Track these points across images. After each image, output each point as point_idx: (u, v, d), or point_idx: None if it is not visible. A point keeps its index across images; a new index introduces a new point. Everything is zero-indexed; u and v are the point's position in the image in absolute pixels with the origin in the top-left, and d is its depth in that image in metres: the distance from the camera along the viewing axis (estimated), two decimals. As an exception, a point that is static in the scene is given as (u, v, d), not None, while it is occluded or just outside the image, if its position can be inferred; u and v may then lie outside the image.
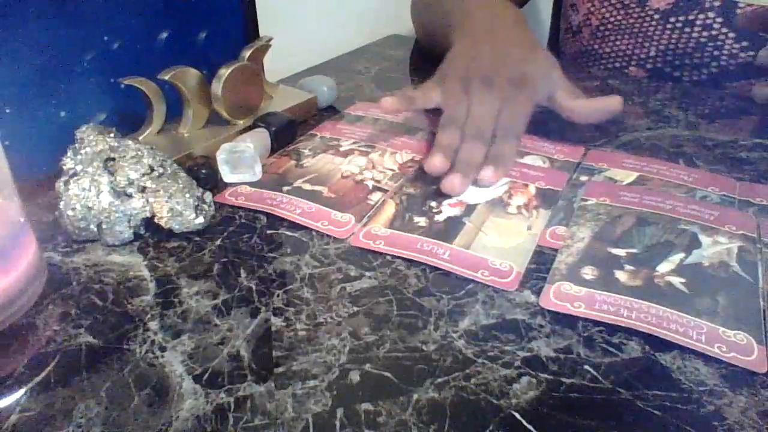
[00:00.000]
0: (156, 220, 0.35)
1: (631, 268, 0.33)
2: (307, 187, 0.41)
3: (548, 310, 0.30)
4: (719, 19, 0.58)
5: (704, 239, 0.35)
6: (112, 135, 0.37)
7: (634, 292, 0.31)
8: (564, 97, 0.46)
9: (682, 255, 0.34)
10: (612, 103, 0.46)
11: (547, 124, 0.51)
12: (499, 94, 0.44)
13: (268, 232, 0.37)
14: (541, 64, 0.47)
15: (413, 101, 0.46)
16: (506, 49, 0.48)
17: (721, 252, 0.34)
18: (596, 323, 0.30)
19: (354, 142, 0.47)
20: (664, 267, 0.33)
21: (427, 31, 0.67)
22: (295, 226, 0.37)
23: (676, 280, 0.32)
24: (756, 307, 0.30)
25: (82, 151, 0.36)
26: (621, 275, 0.33)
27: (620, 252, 0.34)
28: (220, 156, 0.41)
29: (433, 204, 0.39)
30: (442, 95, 0.46)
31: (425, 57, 0.68)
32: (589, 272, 0.33)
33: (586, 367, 0.27)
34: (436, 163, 0.40)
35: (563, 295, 0.31)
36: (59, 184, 0.35)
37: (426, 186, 0.41)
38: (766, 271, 0.33)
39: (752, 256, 0.34)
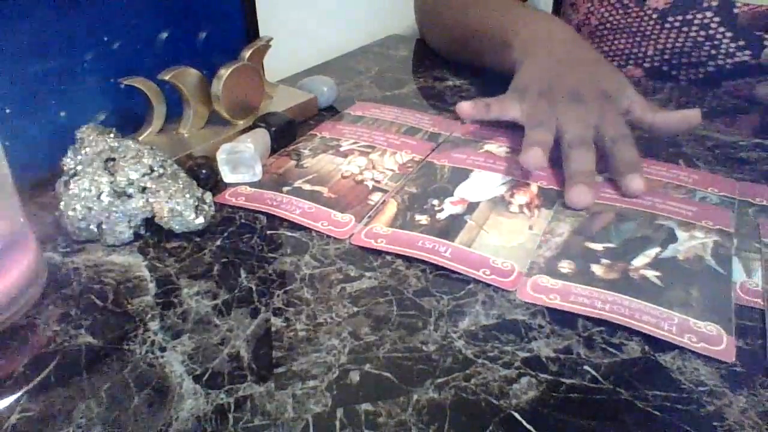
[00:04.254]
0: (156, 221, 0.35)
1: (607, 261, 0.34)
2: (307, 187, 0.41)
3: (548, 311, 0.31)
4: (717, 19, 0.58)
5: (681, 234, 0.36)
6: (112, 135, 0.37)
7: (609, 284, 0.32)
8: (643, 112, 0.44)
9: (657, 249, 0.35)
10: (692, 116, 0.44)
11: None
12: (591, 109, 0.43)
13: (268, 232, 0.37)
14: (620, 79, 0.46)
15: (490, 109, 0.45)
16: (587, 65, 0.47)
17: (696, 246, 0.35)
18: (597, 323, 0.30)
19: (354, 143, 0.47)
20: (639, 261, 0.34)
21: (455, 38, 0.64)
22: (295, 226, 0.37)
23: (651, 274, 0.33)
24: (727, 300, 0.31)
25: (82, 151, 0.36)
26: (597, 269, 0.33)
27: (597, 246, 0.35)
28: (220, 156, 0.41)
29: (435, 202, 0.39)
30: (527, 109, 0.44)
31: (425, 57, 0.68)
32: (566, 266, 0.33)
33: (586, 367, 0.27)
34: (535, 156, 0.39)
35: (540, 288, 0.32)
36: (59, 184, 0.35)
37: (427, 184, 0.41)
38: (766, 271, 0.33)
39: (727, 251, 0.35)
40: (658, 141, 0.48)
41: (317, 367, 0.27)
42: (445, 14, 0.65)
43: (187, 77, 0.43)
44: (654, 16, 0.61)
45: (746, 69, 0.58)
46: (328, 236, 0.36)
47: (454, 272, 0.33)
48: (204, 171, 0.40)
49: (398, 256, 0.34)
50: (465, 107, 0.44)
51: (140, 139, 0.43)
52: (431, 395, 0.26)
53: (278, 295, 0.32)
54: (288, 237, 0.36)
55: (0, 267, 0.29)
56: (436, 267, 0.34)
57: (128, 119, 0.44)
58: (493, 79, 0.61)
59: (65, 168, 0.35)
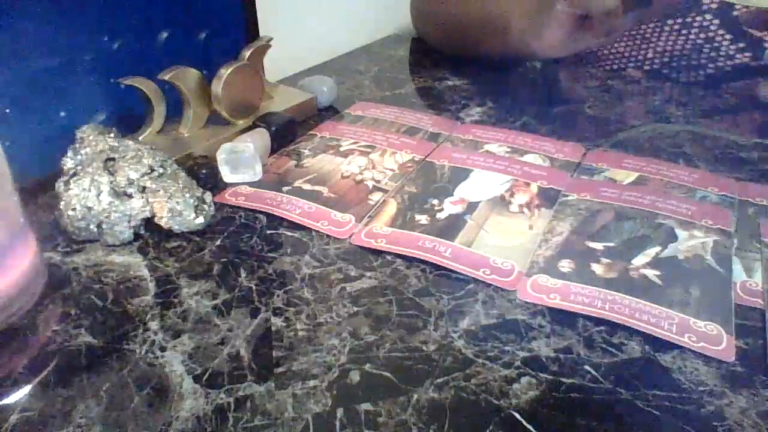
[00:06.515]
0: (156, 220, 0.35)
1: (607, 261, 0.34)
2: (307, 187, 0.41)
3: (549, 310, 0.31)
4: (716, 21, 0.58)
5: (681, 233, 0.36)
6: (112, 135, 0.37)
7: (608, 283, 0.32)
8: None
9: (658, 248, 0.35)
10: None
11: (547, 123, 0.51)
12: None
13: (268, 232, 0.37)
14: None
15: None
16: None
17: (696, 245, 0.35)
18: (597, 323, 0.30)
19: (354, 142, 0.47)
20: (639, 260, 0.34)
21: (454, 30, 0.65)
22: (295, 226, 0.37)
23: (651, 273, 0.33)
24: (727, 299, 0.31)
25: (82, 151, 0.36)
26: (597, 268, 0.33)
27: (597, 246, 0.35)
28: (220, 156, 0.41)
29: (435, 202, 0.39)
30: None
31: (425, 57, 0.68)
32: (566, 265, 0.33)
33: (586, 367, 0.27)
34: None
35: (540, 287, 0.32)
36: (59, 184, 0.35)
37: (427, 184, 0.41)
38: (766, 271, 0.33)
39: (727, 250, 0.35)
40: (661, 140, 0.48)
41: (317, 367, 0.27)
42: (442, 7, 0.65)
43: (187, 77, 0.43)
44: (654, 19, 0.61)
45: (746, 71, 0.58)
46: (328, 236, 0.36)
47: (454, 272, 0.33)
48: (204, 171, 0.40)
49: (398, 255, 0.34)
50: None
51: (140, 139, 0.43)
52: (431, 395, 0.26)
53: (278, 295, 0.32)
54: (288, 237, 0.36)
55: (0, 267, 0.29)
56: (436, 267, 0.34)
57: (128, 119, 0.44)
58: (493, 79, 0.61)
59: (65, 168, 0.35)
